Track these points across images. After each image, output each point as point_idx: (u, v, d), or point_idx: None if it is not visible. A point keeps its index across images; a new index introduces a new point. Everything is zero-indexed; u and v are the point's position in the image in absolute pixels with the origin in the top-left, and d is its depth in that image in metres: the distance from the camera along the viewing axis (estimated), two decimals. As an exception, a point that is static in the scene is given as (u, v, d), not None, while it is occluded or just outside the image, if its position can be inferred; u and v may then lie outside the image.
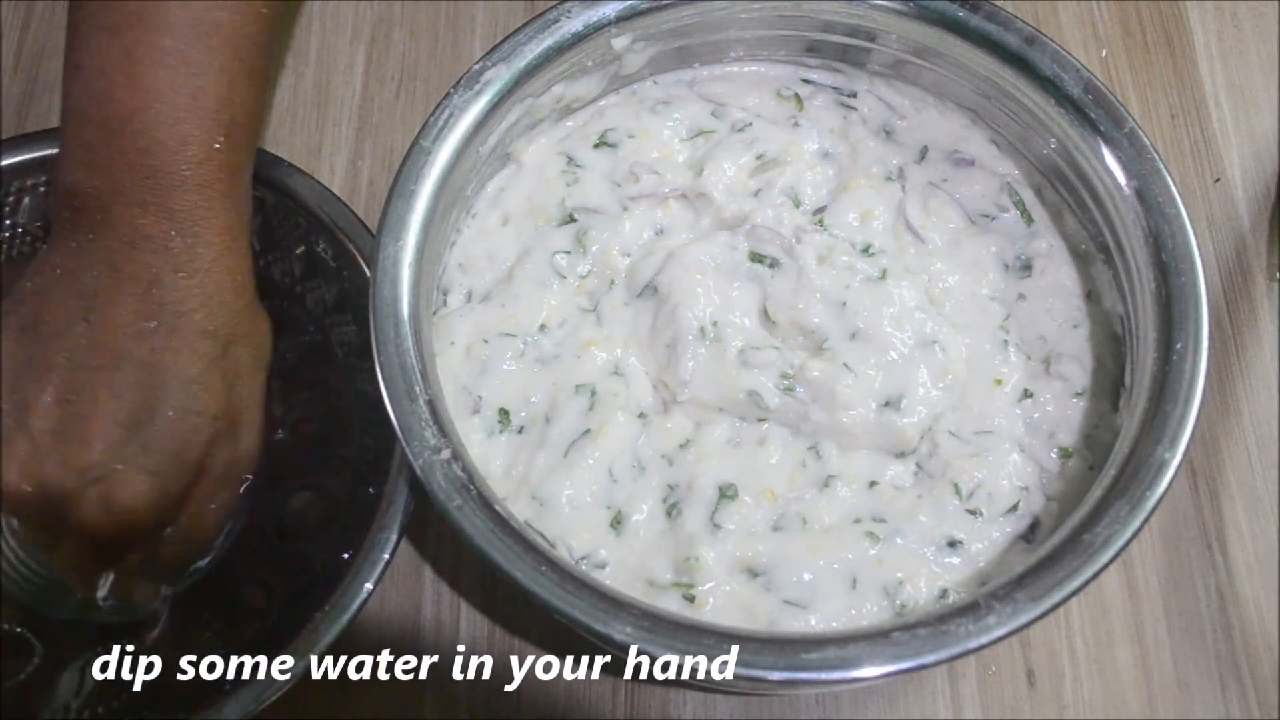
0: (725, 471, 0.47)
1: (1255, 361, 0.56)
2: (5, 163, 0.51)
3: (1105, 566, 0.40)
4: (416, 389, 0.43)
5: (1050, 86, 0.48)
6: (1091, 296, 0.50)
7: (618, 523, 0.46)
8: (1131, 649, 0.51)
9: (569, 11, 0.49)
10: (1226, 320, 0.57)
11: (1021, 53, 0.48)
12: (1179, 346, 0.43)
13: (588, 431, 0.48)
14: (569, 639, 0.50)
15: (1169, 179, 0.46)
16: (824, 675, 0.38)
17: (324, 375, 0.53)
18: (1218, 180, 0.60)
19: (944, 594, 0.45)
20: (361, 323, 0.51)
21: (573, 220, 0.51)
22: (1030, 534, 0.46)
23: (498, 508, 0.41)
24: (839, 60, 0.54)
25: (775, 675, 0.38)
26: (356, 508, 0.49)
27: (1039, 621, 0.39)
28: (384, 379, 0.43)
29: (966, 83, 0.51)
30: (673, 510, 0.47)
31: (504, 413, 0.48)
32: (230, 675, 0.45)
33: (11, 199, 0.52)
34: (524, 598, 0.40)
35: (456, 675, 0.50)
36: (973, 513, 0.46)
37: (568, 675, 0.50)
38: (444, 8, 0.64)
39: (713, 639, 0.39)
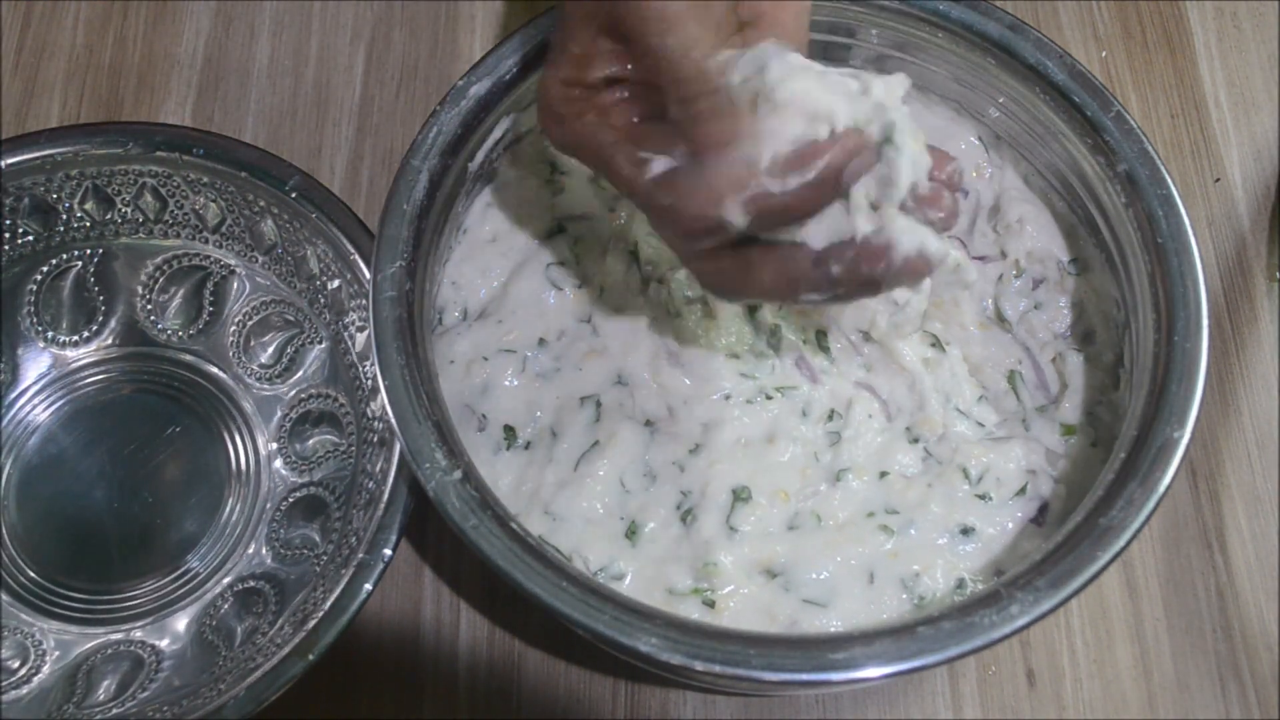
0: (738, 474, 0.47)
1: (1255, 361, 0.56)
2: (5, 163, 0.51)
3: (1124, 549, 0.40)
4: (423, 411, 0.42)
5: (1034, 74, 0.48)
6: (1085, 278, 0.50)
7: (633, 533, 0.46)
8: (1131, 649, 0.51)
9: (549, 24, 0.48)
10: (1226, 320, 0.57)
11: (1004, 41, 0.48)
12: (1180, 324, 0.43)
13: (596, 444, 0.47)
14: (569, 639, 0.50)
15: (1157, 159, 0.46)
16: (851, 674, 0.38)
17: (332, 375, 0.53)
18: (1218, 180, 0.60)
19: (961, 583, 0.45)
20: (363, 325, 0.51)
21: (561, 230, 0.51)
22: (1040, 517, 0.46)
23: (514, 525, 0.41)
24: (820, 57, 0.53)
25: (805, 677, 0.38)
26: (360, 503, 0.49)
27: (1041, 621, 0.39)
28: (390, 402, 0.42)
29: (949, 75, 0.51)
30: (687, 516, 0.47)
31: (509, 430, 0.48)
32: (230, 676, 0.45)
33: (11, 199, 0.52)
34: (547, 613, 0.40)
35: (456, 675, 0.50)
36: (982, 497, 0.46)
37: (568, 675, 0.50)
38: (444, 8, 0.64)
39: (738, 644, 0.39)
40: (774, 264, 0.39)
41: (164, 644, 0.50)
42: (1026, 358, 0.50)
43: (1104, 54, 0.63)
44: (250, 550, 0.51)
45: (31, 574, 0.51)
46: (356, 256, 0.50)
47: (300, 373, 0.54)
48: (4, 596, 0.50)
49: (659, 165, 0.39)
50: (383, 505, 0.46)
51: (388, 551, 0.45)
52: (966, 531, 0.46)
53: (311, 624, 0.44)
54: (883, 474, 0.48)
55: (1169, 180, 0.45)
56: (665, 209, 0.40)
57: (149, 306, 0.55)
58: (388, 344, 0.43)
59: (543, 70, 0.43)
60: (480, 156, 0.49)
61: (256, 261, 0.54)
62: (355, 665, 0.50)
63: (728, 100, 0.37)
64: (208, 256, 0.54)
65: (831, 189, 0.37)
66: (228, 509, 0.52)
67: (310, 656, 0.44)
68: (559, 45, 0.42)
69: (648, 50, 0.39)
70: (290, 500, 0.52)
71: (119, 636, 0.50)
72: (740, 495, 0.47)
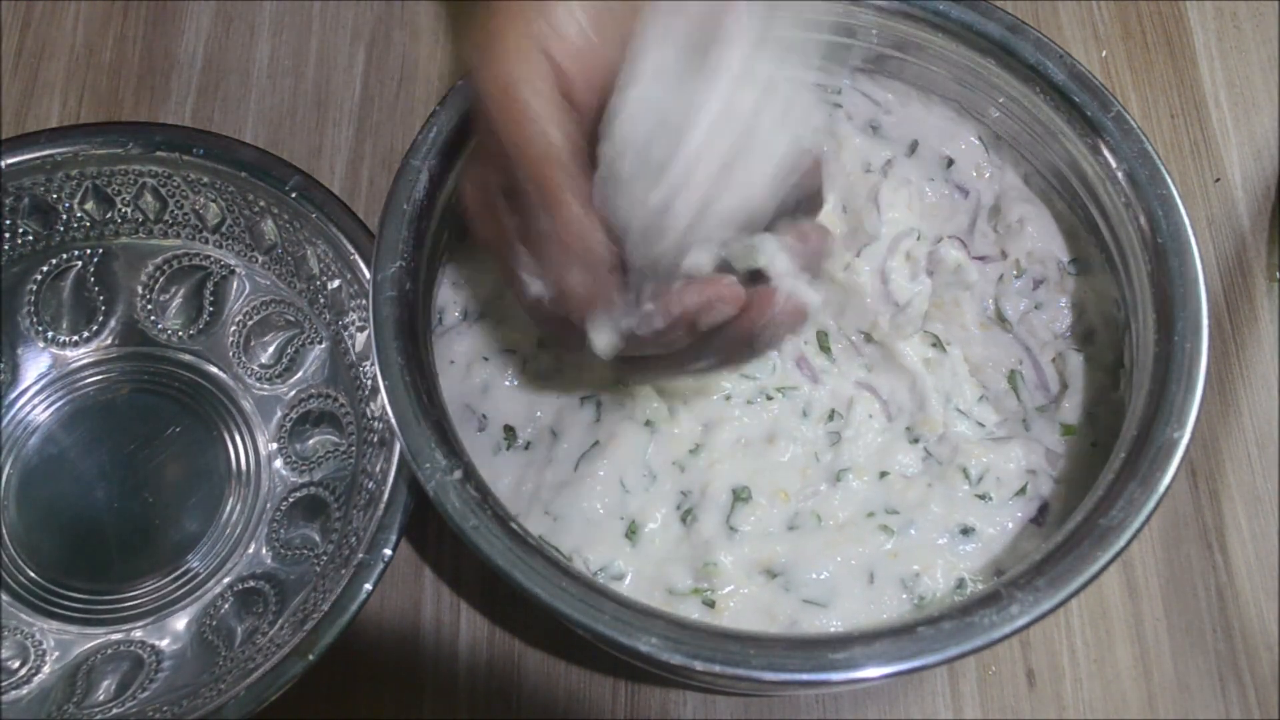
0: (738, 474, 0.47)
1: (1255, 361, 0.56)
2: (5, 163, 0.51)
3: (1124, 549, 0.40)
4: (423, 410, 0.42)
5: (1034, 74, 0.48)
6: (1086, 278, 0.50)
7: (633, 533, 0.46)
8: (1131, 649, 0.51)
9: None
10: (1226, 320, 0.57)
11: (1004, 41, 0.48)
12: (1179, 325, 0.43)
13: (596, 443, 0.47)
14: (569, 639, 0.50)
15: (1157, 159, 0.46)
16: (851, 674, 0.38)
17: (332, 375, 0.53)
18: (1218, 180, 0.60)
19: (961, 583, 0.45)
20: (363, 325, 0.51)
21: None
22: (1040, 517, 0.46)
23: (514, 525, 0.41)
24: (820, 57, 0.53)
25: (805, 677, 0.38)
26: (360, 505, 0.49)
27: (1041, 621, 0.39)
28: (390, 402, 0.42)
29: (950, 75, 0.51)
30: (687, 516, 0.47)
31: (509, 430, 0.48)
32: (230, 676, 0.45)
33: (11, 199, 0.52)
34: (547, 613, 0.40)
35: (456, 675, 0.50)
36: (982, 497, 0.47)
37: (568, 675, 0.50)
38: (444, 8, 0.64)
39: (738, 644, 0.39)
40: (659, 362, 0.41)
41: (164, 644, 0.50)
42: (1027, 358, 0.50)
43: (1104, 54, 0.62)
44: (250, 550, 0.51)
45: (31, 574, 0.51)
46: (356, 256, 0.50)
47: (300, 373, 0.54)
48: (4, 596, 0.50)
49: (535, 288, 0.40)
50: (383, 505, 0.46)
51: (388, 551, 0.45)
52: (966, 531, 0.46)
53: (311, 624, 0.44)
54: (883, 474, 0.48)
55: (1169, 180, 0.45)
56: (545, 327, 0.40)
57: (149, 306, 0.55)
58: (388, 344, 0.43)
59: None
60: (480, 156, 0.49)
61: (256, 261, 0.54)
62: (355, 665, 0.50)
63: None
64: (208, 256, 0.54)
65: (688, 331, 0.38)
66: (228, 509, 0.52)
67: (310, 656, 0.44)
68: (479, 140, 0.41)
69: (503, 151, 0.38)
70: (290, 500, 0.52)
71: (119, 636, 0.50)
72: (740, 495, 0.47)
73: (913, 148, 0.52)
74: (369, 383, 0.51)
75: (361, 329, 0.51)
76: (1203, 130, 0.61)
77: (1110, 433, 0.47)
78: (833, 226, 0.50)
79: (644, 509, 0.47)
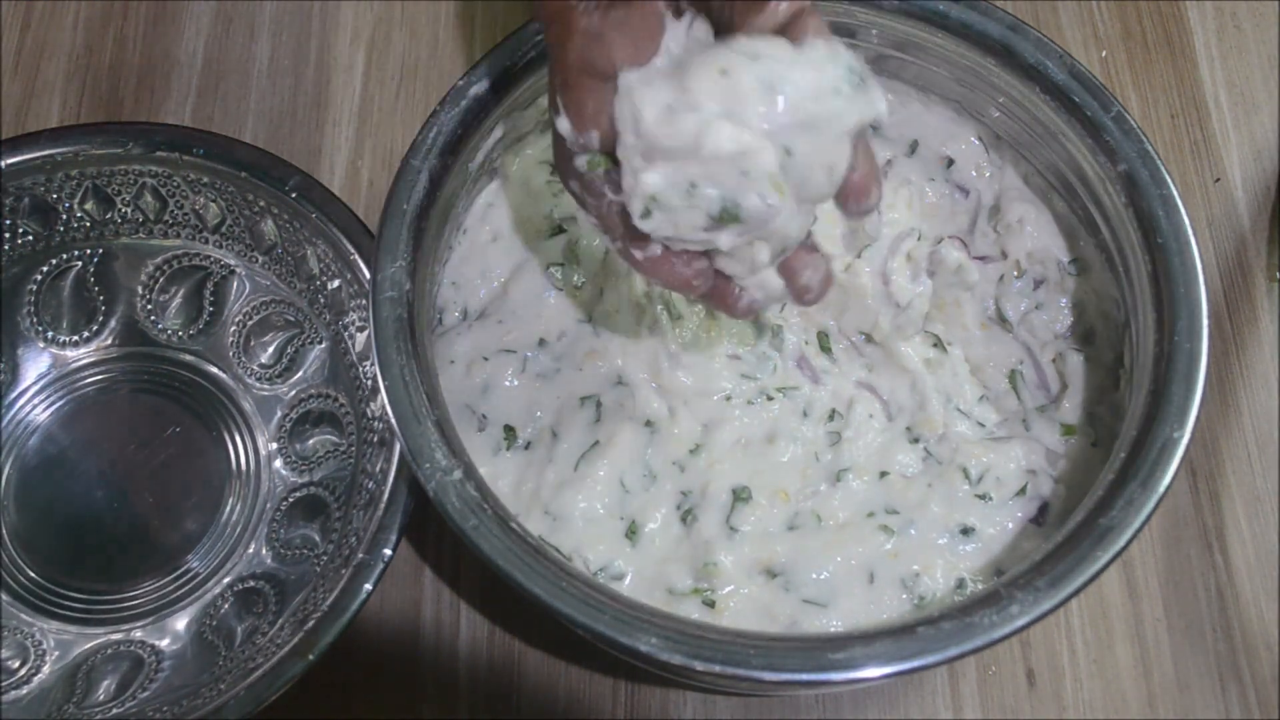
0: (738, 474, 0.47)
1: (1255, 361, 0.56)
2: (5, 163, 0.51)
3: (1124, 549, 0.40)
4: (423, 410, 0.42)
5: (1034, 74, 0.48)
6: (1086, 278, 0.50)
7: (633, 533, 0.46)
8: (1131, 649, 0.51)
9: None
10: (1226, 320, 0.57)
11: (1004, 41, 0.48)
12: (1179, 325, 0.43)
13: (596, 444, 0.47)
14: (569, 639, 0.50)
15: (1157, 159, 0.46)
16: (851, 674, 0.38)
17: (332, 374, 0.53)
18: (1218, 180, 0.60)
19: (961, 583, 0.45)
20: (363, 325, 0.51)
21: (562, 231, 0.51)
22: (1040, 517, 0.46)
23: (514, 525, 0.41)
24: None
25: (805, 677, 0.38)
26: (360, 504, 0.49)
27: (1041, 621, 0.39)
28: (390, 402, 0.42)
29: (950, 75, 0.51)
30: (687, 516, 0.47)
31: (509, 430, 0.48)
32: (230, 676, 0.45)
33: (11, 199, 0.52)
34: (547, 613, 0.40)
35: (456, 675, 0.50)
36: (982, 497, 0.47)
37: (568, 675, 0.50)
38: (444, 8, 0.64)
39: (738, 645, 0.39)
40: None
41: (164, 644, 0.50)
42: (1027, 358, 0.50)
43: (1104, 54, 0.62)
44: (250, 550, 0.51)
45: (31, 574, 0.51)
46: (356, 256, 0.50)
47: (300, 373, 0.54)
48: (4, 596, 0.50)
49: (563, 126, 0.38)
50: (383, 505, 0.46)
51: (388, 551, 0.45)
52: (966, 531, 0.46)
53: (311, 624, 0.44)
54: (883, 474, 0.48)
55: (1169, 180, 0.45)
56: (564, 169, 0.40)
57: (149, 306, 0.55)
58: (388, 344, 0.43)
59: None
60: (480, 156, 0.49)
61: (256, 261, 0.54)
62: (355, 665, 0.50)
63: None
64: (208, 256, 0.54)
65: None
66: (228, 509, 0.52)
67: (310, 656, 0.44)
68: None
69: None
70: (290, 500, 0.52)
71: (119, 636, 0.50)
72: (740, 495, 0.47)
73: (913, 148, 0.52)
74: (369, 383, 0.51)
75: (361, 329, 0.51)
76: (1203, 130, 0.61)
77: (1110, 433, 0.47)
78: (833, 226, 0.50)
79: (644, 509, 0.47)
